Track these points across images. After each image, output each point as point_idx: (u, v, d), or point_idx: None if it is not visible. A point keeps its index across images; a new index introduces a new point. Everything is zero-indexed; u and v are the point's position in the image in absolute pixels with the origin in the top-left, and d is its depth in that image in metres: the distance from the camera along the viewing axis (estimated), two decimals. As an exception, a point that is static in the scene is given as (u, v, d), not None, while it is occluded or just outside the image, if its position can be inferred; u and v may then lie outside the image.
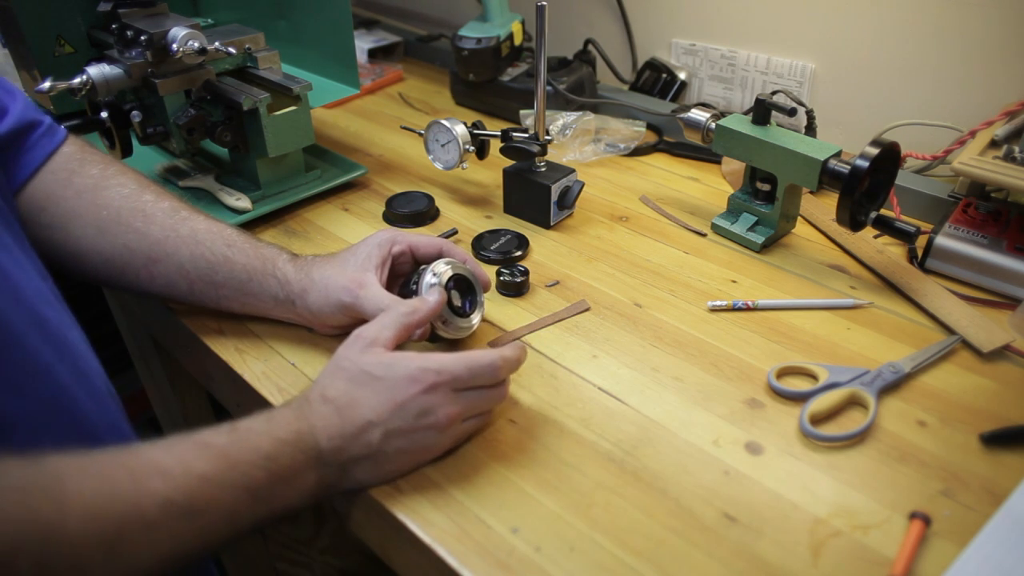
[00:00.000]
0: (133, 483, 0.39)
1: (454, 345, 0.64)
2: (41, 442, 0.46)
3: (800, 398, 0.57)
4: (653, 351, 0.63)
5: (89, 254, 0.60)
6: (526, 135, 0.79)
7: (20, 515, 0.35)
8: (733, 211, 0.80)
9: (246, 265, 0.60)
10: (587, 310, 0.68)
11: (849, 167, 0.67)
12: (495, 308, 0.68)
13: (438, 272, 0.59)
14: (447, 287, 0.59)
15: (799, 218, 0.81)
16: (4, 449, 0.42)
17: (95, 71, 0.74)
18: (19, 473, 0.37)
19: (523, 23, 1.09)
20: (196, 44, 0.72)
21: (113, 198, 0.61)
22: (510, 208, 0.84)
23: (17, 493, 0.35)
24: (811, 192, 0.85)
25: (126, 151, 0.76)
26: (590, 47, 1.12)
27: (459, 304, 0.61)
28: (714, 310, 0.68)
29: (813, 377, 0.59)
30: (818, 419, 0.55)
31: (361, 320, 0.59)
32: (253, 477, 0.43)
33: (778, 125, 0.75)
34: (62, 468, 0.38)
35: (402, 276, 0.64)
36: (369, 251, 0.60)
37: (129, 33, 0.75)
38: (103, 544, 0.37)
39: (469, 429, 0.53)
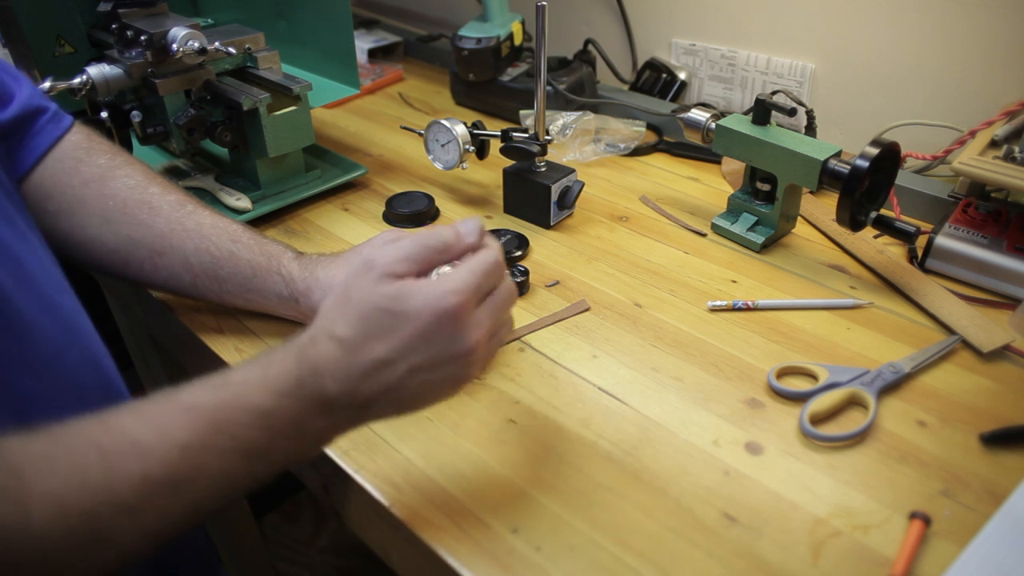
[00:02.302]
0: (104, 467, 0.36)
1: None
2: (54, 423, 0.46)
3: (800, 398, 0.57)
4: (653, 351, 0.63)
5: (94, 244, 0.61)
6: (526, 135, 0.79)
7: None
8: (733, 211, 0.80)
9: (251, 261, 0.61)
10: (587, 310, 0.68)
11: (849, 167, 0.67)
12: (495, 308, 0.68)
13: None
14: None
15: (799, 218, 0.81)
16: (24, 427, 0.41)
17: (95, 71, 0.74)
18: None
19: (523, 23, 1.09)
20: (196, 44, 0.72)
21: (119, 189, 0.61)
22: (510, 208, 0.84)
23: None
24: (811, 192, 0.85)
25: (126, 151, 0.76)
26: (590, 47, 1.12)
27: None
28: (714, 310, 0.68)
29: (813, 377, 0.59)
30: (818, 419, 0.55)
31: None
32: (247, 438, 0.40)
33: (778, 125, 0.75)
34: (22, 460, 0.35)
35: None
36: None
37: (129, 33, 0.75)
38: (75, 540, 0.35)
39: (498, 344, 0.47)
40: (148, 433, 0.38)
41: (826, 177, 0.69)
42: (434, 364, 0.43)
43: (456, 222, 0.47)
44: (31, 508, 0.34)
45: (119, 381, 0.54)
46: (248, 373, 0.42)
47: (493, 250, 0.45)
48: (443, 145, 0.82)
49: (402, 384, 0.43)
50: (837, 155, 0.70)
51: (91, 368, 0.51)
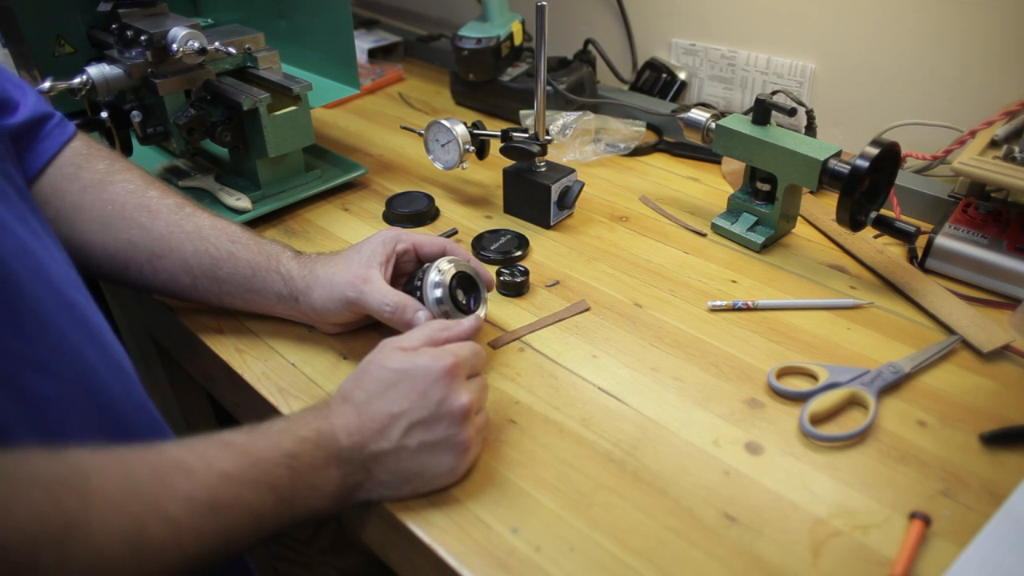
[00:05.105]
0: (156, 480, 0.39)
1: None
2: (72, 423, 0.46)
3: (800, 398, 0.57)
4: (653, 351, 0.63)
5: (94, 248, 0.61)
6: (526, 135, 0.79)
7: (45, 508, 0.34)
8: (733, 211, 0.80)
9: (250, 261, 0.61)
10: (587, 310, 0.68)
11: (849, 167, 0.67)
12: (495, 308, 0.68)
13: (443, 270, 0.59)
14: (451, 285, 0.59)
15: (799, 218, 0.81)
16: (37, 429, 0.42)
17: (95, 71, 0.74)
18: (44, 466, 0.36)
19: (523, 23, 1.09)
20: (196, 44, 0.72)
21: (118, 193, 0.61)
22: (510, 208, 0.84)
23: (42, 486, 0.35)
24: (811, 192, 0.85)
25: (126, 151, 0.76)
26: (590, 47, 1.12)
27: (463, 301, 0.61)
28: (714, 310, 0.68)
29: (813, 377, 0.59)
30: (818, 419, 0.55)
31: (365, 317, 0.60)
32: (276, 475, 0.43)
33: (778, 125, 0.75)
34: (86, 462, 0.38)
35: (405, 275, 0.64)
36: (373, 248, 0.61)
37: (129, 33, 0.75)
38: (126, 540, 0.37)
39: (484, 422, 0.52)
40: (194, 459, 0.41)
41: (826, 177, 0.69)
42: (432, 420, 0.48)
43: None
44: (92, 505, 0.36)
45: (139, 385, 0.54)
46: (275, 423, 0.47)
47: (480, 346, 0.53)
48: (443, 145, 0.82)
49: (403, 443, 0.47)
50: (837, 155, 0.70)
51: (112, 368, 0.51)
